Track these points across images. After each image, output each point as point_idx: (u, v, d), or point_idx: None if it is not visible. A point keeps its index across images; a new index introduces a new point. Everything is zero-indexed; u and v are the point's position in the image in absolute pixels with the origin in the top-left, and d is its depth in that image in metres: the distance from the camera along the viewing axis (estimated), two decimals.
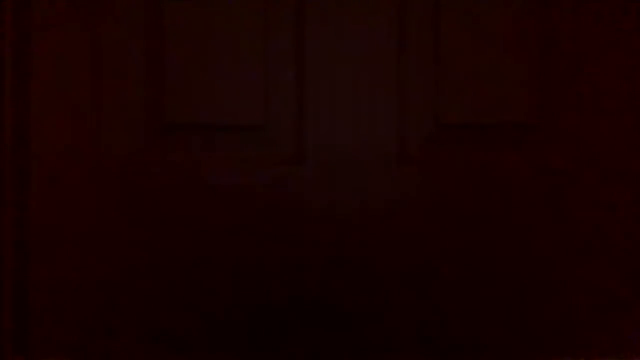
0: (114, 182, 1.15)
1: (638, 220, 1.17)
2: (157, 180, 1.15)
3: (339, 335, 1.15)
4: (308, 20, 1.17)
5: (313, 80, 1.16)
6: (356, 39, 1.17)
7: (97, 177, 1.15)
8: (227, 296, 1.15)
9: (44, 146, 1.14)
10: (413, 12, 1.18)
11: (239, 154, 1.17)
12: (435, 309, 1.16)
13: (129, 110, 1.16)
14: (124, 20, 1.16)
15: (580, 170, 1.17)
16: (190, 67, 1.16)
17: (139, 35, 1.16)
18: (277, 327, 1.15)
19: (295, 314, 1.15)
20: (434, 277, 1.16)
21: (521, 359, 1.16)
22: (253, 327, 1.15)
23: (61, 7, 1.15)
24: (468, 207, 1.16)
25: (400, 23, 1.18)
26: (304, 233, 1.16)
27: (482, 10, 1.17)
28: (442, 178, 1.16)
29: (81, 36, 1.15)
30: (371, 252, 1.16)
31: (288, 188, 1.16)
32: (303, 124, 1.17)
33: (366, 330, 1.15)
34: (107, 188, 1.15)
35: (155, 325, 1.15)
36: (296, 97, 1.17)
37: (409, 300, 1.16)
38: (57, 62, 1.15)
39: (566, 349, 1.16)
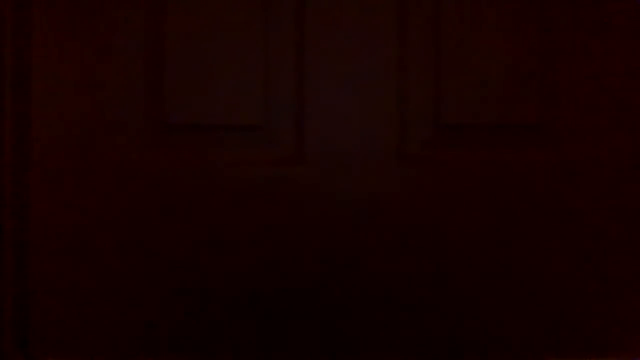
0: (114, 181, 1.15)
1: (639, 221, 1.17)
2: (156, 180, 1.16)
3: (337, 333, 1.15)
4: (308, 20, 1.17)
5: (313, 80, 1.16)
6: (356, 39, 1.17)
7: (97, 177, 1.15)
8: (225, 295, 1.15)
9: (44, 146, 1.15)
10: (413, 11, 1.18)
11: (239, 154, 1.17)
12: (434, 309, 1.16)
13: (129, 110, 1.16)
14: (124, 20, 1.16)
15: (581, 170, 1.17)
16: (190, 67, 1.16)
17: (139, 35, 1.16)
18: (274, 326, 1.15)
19: (292, 313, 1.15)
20: (434, 276, 1.16)
21: (520, 359, 1.16)
22: (250, 325, 1.15)
23: (61, 8, 1.15)
24: (468, 206, 1.16)
25: (401, 22, 1.18)
26: (303, 232, 1.16)
27: (483, 10, 1.17)
28: (442, 178, 1.17)
29: (82, 36, 1.15)
30: (371, 251, 1.16)
31: (288, 188, 1.16)
32: (303, 124, 1.17)
33: (362, 329, 1.16)
34: (107, 188, 1.15)
35: (156, 325, 1.15)
36: (296, 97, 1.17)
37: (408, 300, 1.16)
38: (58, 62, 1.15)
39: (566, 349, 1.16)
